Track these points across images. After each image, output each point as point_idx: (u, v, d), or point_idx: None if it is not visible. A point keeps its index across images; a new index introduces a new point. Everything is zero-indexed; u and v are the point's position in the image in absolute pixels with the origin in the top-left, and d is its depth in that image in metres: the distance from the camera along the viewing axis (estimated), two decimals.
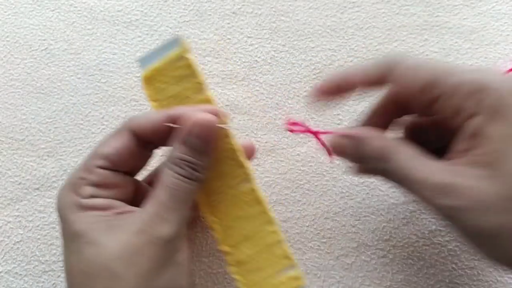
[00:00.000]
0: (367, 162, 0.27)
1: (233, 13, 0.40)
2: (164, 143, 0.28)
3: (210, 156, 0.27)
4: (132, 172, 0.29)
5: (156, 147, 0.29)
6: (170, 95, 0.29)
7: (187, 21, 0.40)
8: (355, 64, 0.27)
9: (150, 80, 0.29)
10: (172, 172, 0.26)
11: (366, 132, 0.27)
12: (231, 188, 0.29)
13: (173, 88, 0.29)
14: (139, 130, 0.27)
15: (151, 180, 0.32)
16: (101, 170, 0.26)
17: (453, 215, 0.23)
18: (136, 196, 0.29)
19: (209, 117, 0.26)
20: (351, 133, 0.27)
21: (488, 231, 0.22)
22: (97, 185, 0.26)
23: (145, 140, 0.28)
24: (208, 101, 0.29)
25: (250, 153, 0.31)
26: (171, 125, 0.27)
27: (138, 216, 0.25)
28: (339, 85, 0.28)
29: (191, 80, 0.29)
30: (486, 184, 0.21)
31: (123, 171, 0.28)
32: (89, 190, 0.26)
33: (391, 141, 0.26)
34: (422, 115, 0.29)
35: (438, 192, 0.23)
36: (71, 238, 0.25)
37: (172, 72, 0.29)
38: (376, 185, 0.36)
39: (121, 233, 0.25)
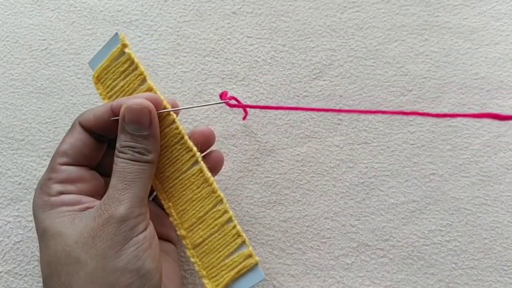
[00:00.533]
0: None
1: (233, 13, 0.40)
2: (110, 133, 0.29)
3: (154, 137, 0.28)
4: (94, 165, 0.30)
5: (108, 138, 0.30)
6: (118, 89, 0.31)
7: (187, 21, 0.40)
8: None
9: (99, 79, 0.31)
10: (118, 158, 0.27)
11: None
12: (182, 173, 0.30)
13: (120, 82, 0.30)
14: (87, 124, 0.29)
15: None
16: (65, 167, 0.28)
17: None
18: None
19: (140, 101, 0.28)
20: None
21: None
22: (63, 181, 0.28)
23: (93, 132, 0.29)
24: (149, 89, 0.30)
25: (209, 139, 0.32)
26: (116, 118, 0.28)
27: (96, 204, 0.27)
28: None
29: (134, 73, 0.30)
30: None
31: (86, 165, 0.29)
32: (57, 187, 0.27)
33: None
34: None
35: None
36: (41, 235, 0.26)
37: (117, 68, 0.30)
38: (376, 185, 0.36)
39: (80, 221, 0.26)
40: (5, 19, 0.40)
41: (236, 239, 0.29)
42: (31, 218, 0.35)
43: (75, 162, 0.28)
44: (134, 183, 0.27)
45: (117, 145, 0.28)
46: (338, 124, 0.37)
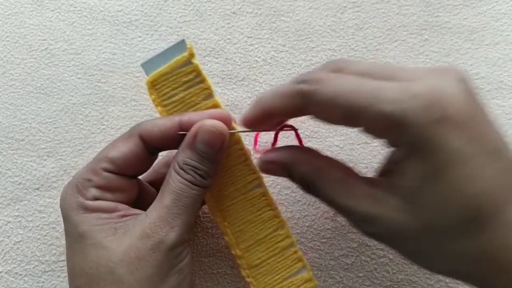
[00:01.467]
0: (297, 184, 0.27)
1: (233, 13, 0.40)
2: (171, 148, 0.28)
3: (217, 162, 0.27)
4: (136, 175, 0.29)
5: (161, 150, 0.29)
6: (176, 100, 0.28)
7: (187, 21, 0.40)
8: (273, 89, 0.26)
9: (155, 85, 0.29)
10: (177, 176, 0.26)
11: (293, 156, 0.27)
12: (242, 193, 0.29)
13: (180, 93, 0.28)
14: (148, 136, 0.27)
15: (153, 179, 0.32)
16: (107, 173, 0.27)
17: (377, 239, 0.26)
18: (139, 197, 0.29)
19: (218, 123, 0.26)
20: (276, 159, 0.27)
21: (407, 254, 0.25)
22: (102, 187, 0.26)
23: (153, 146, 0.28)
24: (216, 106, 0.28)
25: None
26: (183, 133, 0.27)
27: (142, 220, 0.25)
28: (261, 118, 0.27)
29: (199, 86, 0.28)
30: (404, 217, 0.23)
31: (128, 175, 0.28)
32: (94, 192, 0.26)
33: (318, 163, 0.26)
34: None
35: (362, 221, 0.24)
36: (76, 239, 0.25)
37: (179, 78, 0.28)
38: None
39: (125, 236, 0.25)
40: (5, 19, 0.40)
41: (296, 263, 0.29)
42: (31, 218, 0.35)
43: (119, 172, 0.27)
44: (188, 209, 0.25)
45: (179, 160, 0.26)
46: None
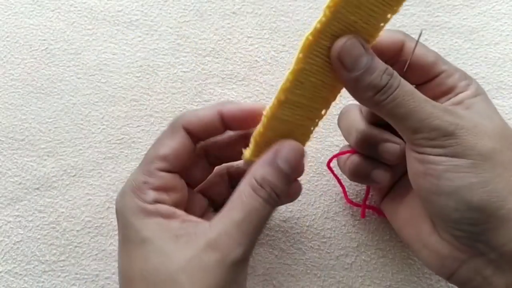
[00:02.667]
0: (371, 73, 0.24)
1: (233, 13, 0.40)
2: (210, 137, 0.28)
3: (292, 184, 0.27)
4: (183, 174, 0.28)
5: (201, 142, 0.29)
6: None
7: (187, 21, 0.40)
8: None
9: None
10: (251, 190, 0.25)
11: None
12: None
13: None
14: (192, 127, 0.27)
15: (203, 187, 0.31)
16: (162, 173, 0.26)
17: (455, 134, 0.24)
18: (189, 202, 0.29)
19: (298, 144, 0.26)
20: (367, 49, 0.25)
21: (483, 151, 0.24)
22: (159, 188, 0.26)
23: (197, 137, 0.27)
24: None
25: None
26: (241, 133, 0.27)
27: (205, 230, 0.25)
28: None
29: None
30: (478, 119, 0.25)
31: (180, 172, 0.27)
32: (152, 194, 0.25)
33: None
34: None
35: (440, 110, 0.24)
36: (137, 244, 0.25)
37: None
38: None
39: (188, 245, 0.24)
40: (5, 19, 0.40)
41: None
42: (31, 218, 0.35)
43: (173, 169, 0.26)
44: (257, 228, 0.25)
45: (257, 176, 0.25)
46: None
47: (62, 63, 0.39)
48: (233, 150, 0.28)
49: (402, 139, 0.27)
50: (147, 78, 0.38)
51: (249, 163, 0.26)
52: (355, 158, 0.30)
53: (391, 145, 0.29)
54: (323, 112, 0.27)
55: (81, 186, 0.36)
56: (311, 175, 0.36)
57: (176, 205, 0.27)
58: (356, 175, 0.31)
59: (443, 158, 0.24)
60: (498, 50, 0.39)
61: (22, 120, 0.37)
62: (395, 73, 0.25)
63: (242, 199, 0.25)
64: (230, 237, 0.24)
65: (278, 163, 0.25)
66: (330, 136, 0.37)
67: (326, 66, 0.26)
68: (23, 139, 0.37)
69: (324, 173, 0.36)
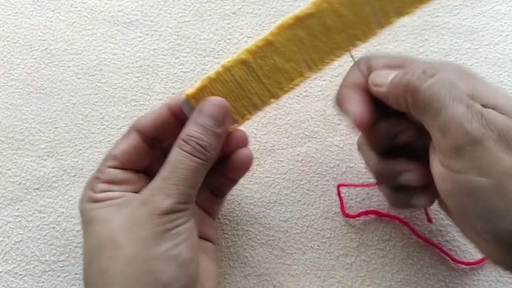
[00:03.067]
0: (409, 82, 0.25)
1: (233, 13, 0.40)
2: (169, 137, 0.29)
3: (219, 137, 0.28)
4: (145, 170, 0.30)
5: (162, 143, 0.30)
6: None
7: (187, 21, 0.40)
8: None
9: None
10: (177, 148, 0.27)
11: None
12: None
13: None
14: (144, 128, 0.29)
15: None
16: (112, 169, 0.29)
17: (482, 143, 0.22)
18: None
19: (220, 99, 0.28)
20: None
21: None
22: (108, 181, 0.28)
23: (149, 137, 0.29)
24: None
25: (243, 141, 0.31)
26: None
27: (142, 192, 0.27)
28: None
29: None
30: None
31: (133, 169, 0.30)
32: (102, 186, 0.28)
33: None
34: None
35: (478, 112, 0.23)
36: (86, 223, 0.27)
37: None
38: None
39: (126, 208, 0.26)
40: (6, 20, 0.40)
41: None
42: (31, 218, 0.35)
43: (123, 166, 0.29)
44: (186, 180, 0.26)
45: (182, 135, 0.27)
46: (338, 124, 0.37)
47: (62, 63, 0.39)
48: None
49: (418, 153, 0.27)
50: (147, 78, 0.39)
51: (186, 103, 0.28)
52: (386, 191, 0.31)
53: (409, 175, 0.28)
54: (271, 99, 0.28)
55: (81, 186, 0.36)
56: (311, 175, 0.36)
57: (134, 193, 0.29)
58: (397, 206, 0.32)
59: (467, 177, 0.23)
60: (498, 50, 0.39)
61: (22, 120, 0.37)
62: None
63: (169, 158, 0.27)
64: (158, 191, 0.26)
65: (201, 119, 0.27)
66: (330, 136, 0.37)
67: (292, 54, 0.27)
68: (23, 139, 0.37)
69: (324, 173, 0.36)
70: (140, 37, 0.40)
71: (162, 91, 0.38)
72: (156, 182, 0.26)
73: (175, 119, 0.29)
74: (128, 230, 0.25)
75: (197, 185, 0.27)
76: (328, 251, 0.34)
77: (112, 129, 0.37)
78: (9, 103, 0.38)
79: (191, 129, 0.27)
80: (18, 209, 0.36)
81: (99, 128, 0.37)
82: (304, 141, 0.37)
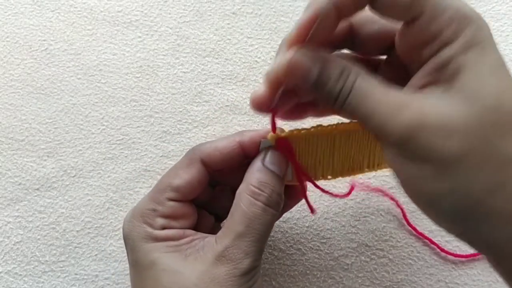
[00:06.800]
0: (324, 84, 0.22)
1: (233, 13, 0.40)
2: (231, 171, 0.28)
3: (283, 184, 0.27)
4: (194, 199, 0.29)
5: (224, 177, 0.29)
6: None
7: (187, 21, 0.40)
8: None
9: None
10: (252, 198, 0.25)
11: (328, 54, 0.23)
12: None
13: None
14: (210, 160, 0.27)
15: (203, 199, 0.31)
16: (172, 203, 0.27)
17: (410, 138, 0.20)
18: (197, 222, 0.29)
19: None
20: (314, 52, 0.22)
21: (451, 157, 0.19)
22: (168, 216, 0.26)
23: (214, 169, 0.27)
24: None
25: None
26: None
27: (212, 245, 0.25)
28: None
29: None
30: (452, 107, 0.19)
31: (191, 200, 0.28)
32: (161, 221, 0.26)
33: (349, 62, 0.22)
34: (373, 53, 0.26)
35: (394, 109, 0.20)
36: (147, 266, 0.25)
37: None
38: (376, 185, 0.36)
39: (197, 261, 0.25)
40: (5, 20, 0.40)
41: None
42: (31, 218, 0.35)
43: (184, 199, 0.27)
44: (263, 237, 0.25)
45: (253, 181, 0.25)
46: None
47: (62, 64, 0.39)
48: (235, 177, 0.28)
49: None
50: (147, 79, 0.39)
51: (266, 143, 0.27)
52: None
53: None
54: (328, 177, 0.29)
55: (81, 186, 0.36)
56: None
57: (190, 227, 0.27)
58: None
59: (405, 166, 0.21)
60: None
61: (22, 120, 0.38)
62: (351, 71, 0.21)
63: (242, 208, 0.25)
64: (237, 248, 0.24)
65: (267, 165, 0.26)
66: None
67: (364, 149, 0.29)
68: (23, 140, 0.37)
69: None
70: (140, 37, 0.40)
71: (162, 92, 0.38)
72: (231, 236, 0.25)
73: (244, 156, 0.27)
74: None
75: (269, 236, 0.26)
76: (328, 251, 0.34)
77: (112, 130, 0.37)
78: (9, 104, 0.38)
79: (261, 176, 0.25)
80: (18, 209, 0.36)
81: (99, 129, 0.37)
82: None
